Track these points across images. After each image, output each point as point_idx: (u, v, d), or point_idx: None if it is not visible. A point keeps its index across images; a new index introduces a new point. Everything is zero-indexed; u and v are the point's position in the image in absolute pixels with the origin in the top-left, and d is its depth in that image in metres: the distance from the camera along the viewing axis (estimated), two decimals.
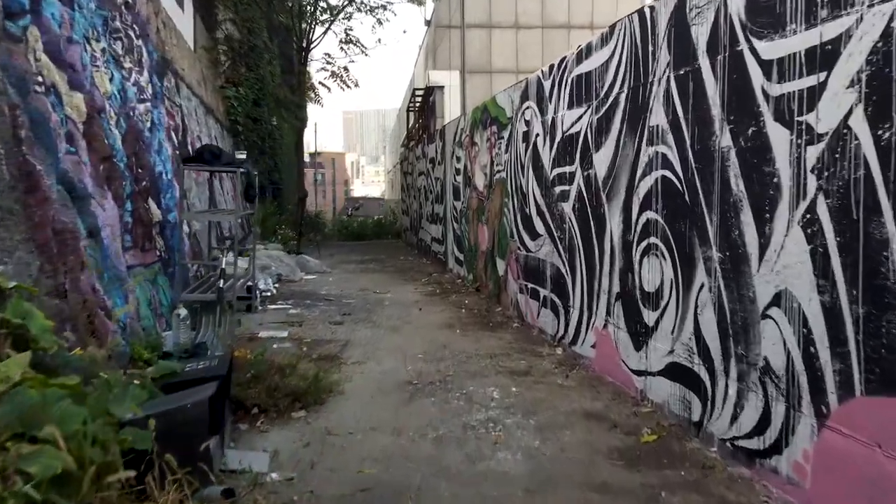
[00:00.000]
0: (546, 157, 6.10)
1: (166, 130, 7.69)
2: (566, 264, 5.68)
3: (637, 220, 4.34)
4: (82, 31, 5.11)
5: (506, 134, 7.46)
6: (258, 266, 9.85)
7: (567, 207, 5.60)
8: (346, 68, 20.90)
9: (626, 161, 4.49)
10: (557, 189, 5.83)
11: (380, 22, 21.25)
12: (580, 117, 5.28)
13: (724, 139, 3.37)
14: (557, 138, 5.79)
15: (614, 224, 4.69)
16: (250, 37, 15.65)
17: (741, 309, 3.25)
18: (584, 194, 5.21)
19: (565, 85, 5.58)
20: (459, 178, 10.31)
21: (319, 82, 22.07)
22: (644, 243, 4.25)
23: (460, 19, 12.65)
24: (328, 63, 20.75)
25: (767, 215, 3.04)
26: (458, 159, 10.37)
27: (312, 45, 20.04)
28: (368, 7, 20.59)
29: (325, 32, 20.85)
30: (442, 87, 16.44)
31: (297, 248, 14.61)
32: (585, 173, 5.19)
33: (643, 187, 4.24)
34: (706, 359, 3.55)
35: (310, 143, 40.67)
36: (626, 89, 4.48)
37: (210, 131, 12.02)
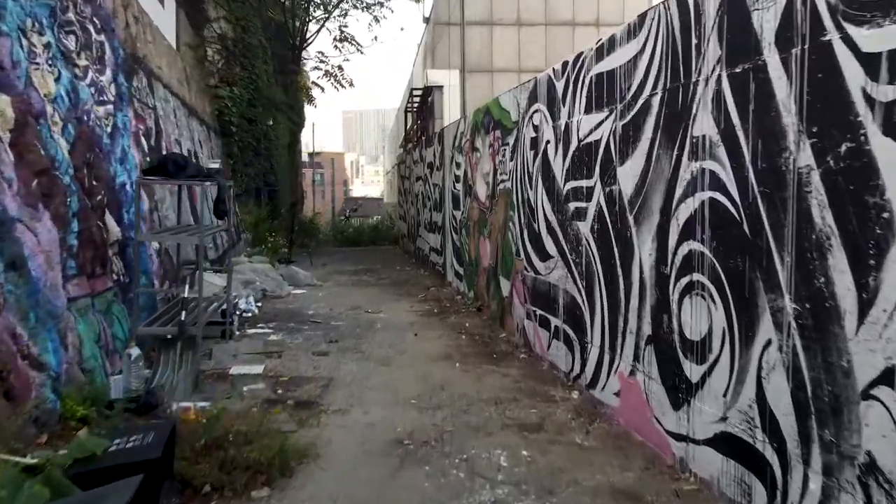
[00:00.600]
0: (558, 168, 5.32)
1: (134, 136, 6.90)
2: (583, 293, 4.91)
3: (676, 249, 3.56)
4: (16, 23, 4.34)
5: (511, 140, 6.68)
6: (241, 281, 9.09)
7: (584, 227, 4.83)
8: (340, 67, 20.18)
9: (660, 178, 3.72)
10: (572, 205, 5.05)
11: (376, 19, 20.56)
12: (600, 123, 4.51)
13: (803, 157, 2.59)
14: (572, 147, 5.02)
15: (644, 252, 3.92)
16: (245, 35, 14.92)
17: (829, 381, 2.48)
18: (606, 214, 4.44)
19: (582, 85, 4.81)
20: (459, 186, 9.53)
21: (313, 82, 21.37)
22: (685, 279, 3.47)
23: (460, 16, 11.90)
24: (322, 62, 20.04)
25: (872, 262, 2.27)
26: (458, 165, 9.59)
27: (306, 44, 19.32)
28: (364, 4, 19.89)
29: (318, 30, 20.13)
30: (441, 87, 15.67)
31: (287, 256, 13.83)
32: (607, 189, 4.41)
33: (684, 211, 3.47)
34: (775, 437, 2.78)
35: (308, 143, 39.98)
36: (660, 91, 3.71)
37: (193, 134, 11.23)
